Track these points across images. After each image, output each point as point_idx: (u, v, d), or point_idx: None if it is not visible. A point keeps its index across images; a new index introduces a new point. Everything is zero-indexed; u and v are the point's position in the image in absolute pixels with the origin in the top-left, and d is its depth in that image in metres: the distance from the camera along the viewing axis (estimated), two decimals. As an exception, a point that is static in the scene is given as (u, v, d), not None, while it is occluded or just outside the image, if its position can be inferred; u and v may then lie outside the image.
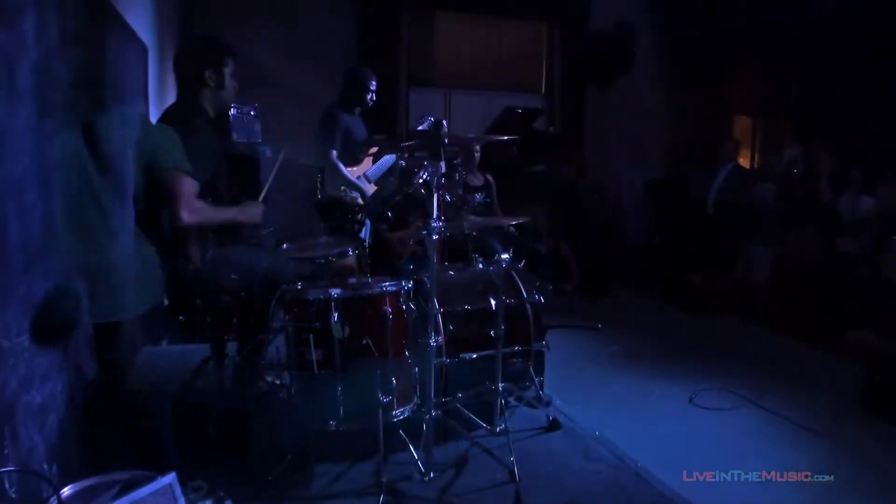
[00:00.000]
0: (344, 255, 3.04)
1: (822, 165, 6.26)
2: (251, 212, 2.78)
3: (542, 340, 3.11)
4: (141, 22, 3.97)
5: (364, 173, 4.53)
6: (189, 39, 2.79)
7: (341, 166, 4.43)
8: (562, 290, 3.28)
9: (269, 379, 2.86)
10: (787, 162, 6.73)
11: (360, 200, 4.40)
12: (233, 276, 2.63)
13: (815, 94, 8.26)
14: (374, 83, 4.60)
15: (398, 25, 7.12)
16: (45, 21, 1.93)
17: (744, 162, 8.29)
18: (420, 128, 3.33)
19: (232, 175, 2.88)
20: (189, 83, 2.75)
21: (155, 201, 2.51)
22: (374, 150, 4.57)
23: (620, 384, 4.01)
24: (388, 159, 4.53)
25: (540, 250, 4.50)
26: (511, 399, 3.17)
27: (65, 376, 2.04)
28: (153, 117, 4.14)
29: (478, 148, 4.55)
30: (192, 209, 2.46)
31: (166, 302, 3.88)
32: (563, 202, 6.90)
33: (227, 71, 2.76)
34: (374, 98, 4.65)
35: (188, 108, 2.70)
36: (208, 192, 2.65)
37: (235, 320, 2.76)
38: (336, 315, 2.31)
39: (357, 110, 4.67)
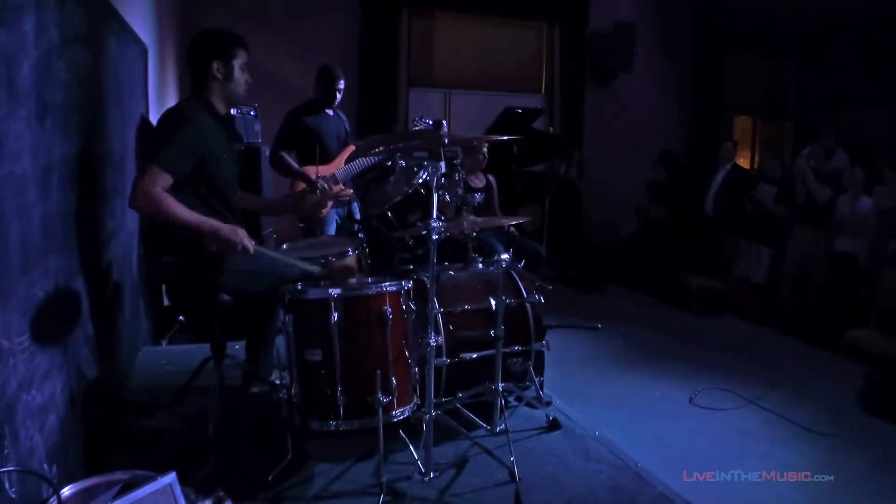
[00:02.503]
0: (344, 255, 3.04)
1: (821, 165, 6.26)
2: (221, 228, 2.45)
3: (542, 340, 3.11)
4: (141, 22, 3.97)
5: (333, 173, 4.51)
6: (199, 32, 2.70)
7: (287, 159, 4.50)
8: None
9: (270, 379, 2.85)
10: (784, 164, 6.72)
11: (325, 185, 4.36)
12: (234, 276, 2.61)
13: (816, 94, 8.26)
14: (341, 83, 4.57)
15: (398, 25, 7.13)
16: (45, 21, 1.93)
17: (743, 162, 8.30)
18: (416, 129, 3.28)
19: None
20: (197, 76, 2.63)
21: None
22: (349, 151, 4.55)
23: (620, 384, 4.01)
24: (362, 162, 4.49)
25: (541, 252, 4.48)
26: (511, 399, 3.16)
27: (65, 376, 2.04)
28: (153, 117, 4.15)
29: (485, 150, 4.54)
30: (145, 196, 2.33)
31: (167, 302, 3.85)
32: (563, 201, 6.90)
33: (237, 63, 2.63)
34: (339, 97, 4.61)
35: (192, 101, 2.62)
36: (210, 191, 2.60)
37: (236, 320, 2.75)
38: None
39: (329, 110, 4.64)
